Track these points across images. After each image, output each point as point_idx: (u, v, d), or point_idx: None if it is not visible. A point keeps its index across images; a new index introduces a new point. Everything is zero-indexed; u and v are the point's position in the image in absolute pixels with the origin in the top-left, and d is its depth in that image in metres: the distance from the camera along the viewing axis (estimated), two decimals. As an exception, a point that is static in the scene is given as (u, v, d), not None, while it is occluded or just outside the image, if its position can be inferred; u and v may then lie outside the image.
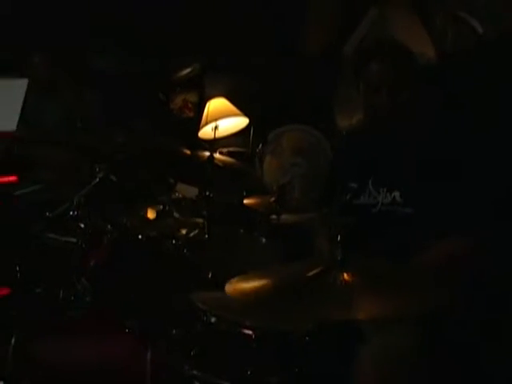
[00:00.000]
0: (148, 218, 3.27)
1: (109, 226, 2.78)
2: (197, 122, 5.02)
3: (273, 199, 3.45)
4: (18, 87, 3.19)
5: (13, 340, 2.44)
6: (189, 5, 5.32)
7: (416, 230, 2.26)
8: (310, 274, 1.80)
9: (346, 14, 5.04)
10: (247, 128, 5.03)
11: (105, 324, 2.54)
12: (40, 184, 3.52)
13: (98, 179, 2.82)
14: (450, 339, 2.19)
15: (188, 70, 5.36)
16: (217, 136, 4.57)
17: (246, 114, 4.96)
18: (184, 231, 3.15)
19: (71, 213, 2.80)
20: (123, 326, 2.42)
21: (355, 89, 2.57)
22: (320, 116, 4.80)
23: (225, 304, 2.08)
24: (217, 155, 3.55)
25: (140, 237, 2.92)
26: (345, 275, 1.76)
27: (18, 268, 2.85)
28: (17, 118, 3.17)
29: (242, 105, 4.96)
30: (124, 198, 3.26)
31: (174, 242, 3.03)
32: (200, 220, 3.32)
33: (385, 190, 2.42)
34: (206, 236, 3.08)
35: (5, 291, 3.72)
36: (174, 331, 2.36)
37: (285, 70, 5.21)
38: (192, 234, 3.12)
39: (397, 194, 2.38)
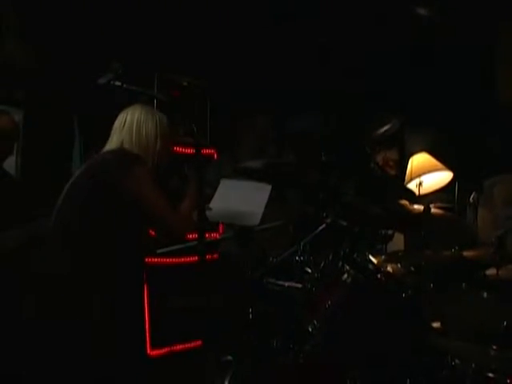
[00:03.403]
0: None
1: (346, 267, 2.79)
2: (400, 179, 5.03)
3: (492, 251, 3.35)
4: (264, 189, 3.59)
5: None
6: (386, 64, 5.44)
7: None
8: None
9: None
10: (451, 182, 4.93)
11: (322, 375, 2.54)
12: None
13: (325, 224, 2.89)
14: None
15: (387, 127, 5.39)
16: (422, 192, 4.55)
17: (450, 168, 4.88)
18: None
19: (297, 258, 2.86)
20: (344, 378, 2.41)
21: None
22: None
23: (467, 349, 2.04)
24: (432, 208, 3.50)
25: (379, 276, 2.89)
26: None
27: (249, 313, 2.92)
28: (260, 215, 3.55)
29: (446, 158, 4.90)
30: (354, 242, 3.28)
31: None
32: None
33: None
34: (432, 285, 3.02)
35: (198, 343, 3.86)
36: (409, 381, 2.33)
37: (487, 120, 5.11)
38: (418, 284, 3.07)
39: None
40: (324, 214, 2.99)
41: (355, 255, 2.93)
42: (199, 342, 4.04)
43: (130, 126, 3.11)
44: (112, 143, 3.14)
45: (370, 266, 2.93)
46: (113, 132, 3.18)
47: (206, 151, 4.88)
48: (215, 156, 4.95)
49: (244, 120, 5.01)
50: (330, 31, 5.26)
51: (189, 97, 4.53)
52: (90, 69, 3.25)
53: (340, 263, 2.82)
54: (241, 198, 3.63)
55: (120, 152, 3.08)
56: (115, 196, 2.94)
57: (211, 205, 3.62)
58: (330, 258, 2.87)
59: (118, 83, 2.86)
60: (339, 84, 5.45)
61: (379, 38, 5.32)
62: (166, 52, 4.99)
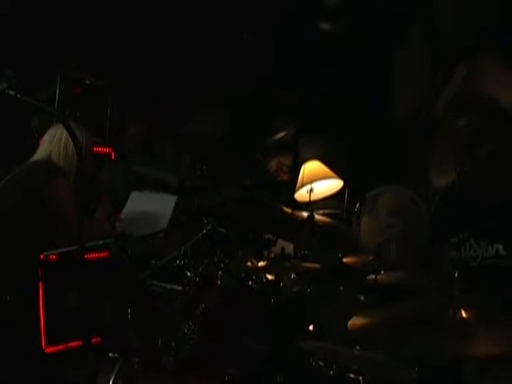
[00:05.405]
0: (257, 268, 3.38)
1: (220, 273, 2.95)
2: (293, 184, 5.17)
3: (372, 258, 3.51)
4: (170, 199, 3.95)
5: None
6: (282, 70, 5.56)
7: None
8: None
9: (434, 73, 5.11)
10: (342, 190, 5.11)
11: (203, 372, 2.64)
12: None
13: (205, 231, 3.03)
14: None
15: (282, 134, 5.54)
16: (312, 198, 4.69)
17: (340, 177, 5.06)
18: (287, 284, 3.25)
19: (177, 262, 3.01)
20: (223, 375, 2.51)
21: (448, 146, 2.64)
22: (414, 176, 4.83)
23: (333, 351, 2.16)
24: (316, 215, 3.64)
25: (250, 283, 3.05)
26: (462, 311, 1.84)
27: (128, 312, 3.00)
28: (167, 220, 3.83)
29: (337, 167, 5.07)
30: (229, 248, 3.42)
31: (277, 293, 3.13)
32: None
33: (485, 243, 2.46)
34: (308, 291, 3.16)
35: (96, 340, 3.89)
36: (279, 378, 2.44)
37: (378, 132, 5.31)
38: (295, 289, 3.21)
39: (499, 246, 2.41)
40: (204, 221, 3.14)
41: (227, 262, 3.08)
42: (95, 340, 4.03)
43: (59, 140, 3.42)
44: (40, 154, 3.44)
45: (242, 274, 3.09)
46: (42, 144, 3.48)
47: (103, 150, 4.88)
48: (112, 155, 4.95)
49: (139, 120, 5.05)
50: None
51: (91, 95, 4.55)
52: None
53: (214, 269, 2.97)
54: (149, 207, 3.84)
55: (46, 164, 3.39)
56: (34, 203, 3.23)
57: (122, 216, 3.80)
58: (206, 263, 3.01)
59: (12, 93, 2.87)
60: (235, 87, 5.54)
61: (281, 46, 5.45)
62: (68, 50, 4.96)
